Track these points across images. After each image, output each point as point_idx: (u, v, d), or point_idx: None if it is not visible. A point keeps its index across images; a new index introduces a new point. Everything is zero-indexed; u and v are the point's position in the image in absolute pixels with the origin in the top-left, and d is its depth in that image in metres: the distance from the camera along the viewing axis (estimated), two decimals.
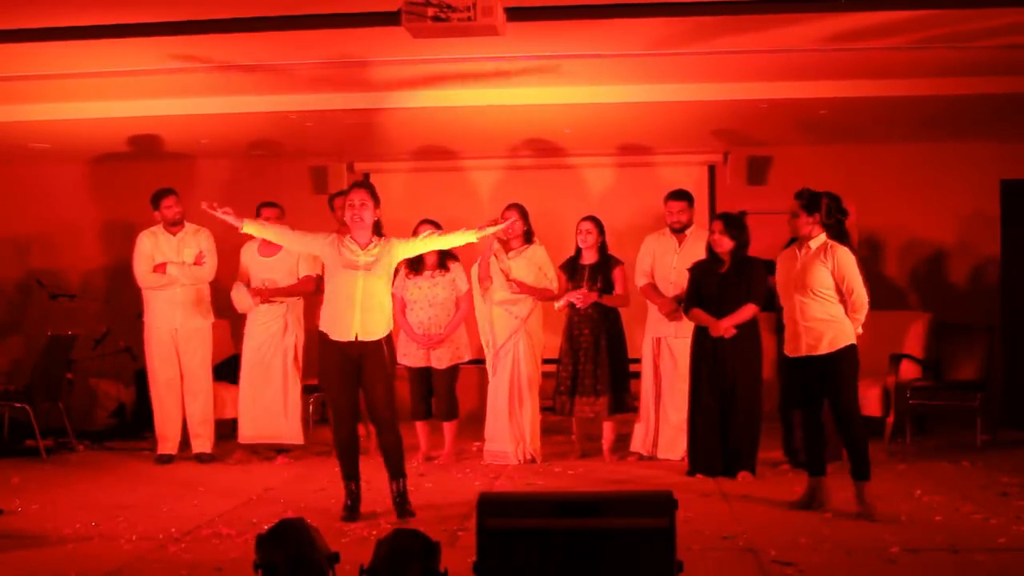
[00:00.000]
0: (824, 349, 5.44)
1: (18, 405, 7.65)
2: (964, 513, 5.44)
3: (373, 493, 5.82)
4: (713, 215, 7.64)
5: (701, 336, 6.61)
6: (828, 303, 5.46)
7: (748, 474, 6.45)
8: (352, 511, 5.53)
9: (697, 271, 6.69)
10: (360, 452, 5.71)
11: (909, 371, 7.89)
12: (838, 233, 5.72)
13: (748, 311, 6.48)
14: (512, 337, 7.06)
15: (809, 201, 5.55)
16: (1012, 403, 8.65)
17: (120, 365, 8.92)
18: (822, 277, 5.45)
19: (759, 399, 6.57)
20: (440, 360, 7.18)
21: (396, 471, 5.54)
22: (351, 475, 5.59)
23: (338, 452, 5.66)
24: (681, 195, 7.19)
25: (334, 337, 5.52)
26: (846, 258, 5.46)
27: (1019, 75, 6.81)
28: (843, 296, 5.48)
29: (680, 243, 7.14)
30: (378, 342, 5.51)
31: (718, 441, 6.53)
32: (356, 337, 5.46)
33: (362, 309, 5.46)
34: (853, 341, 5.48)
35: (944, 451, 7.36)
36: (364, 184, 5.70)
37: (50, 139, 8.50)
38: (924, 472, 6.49)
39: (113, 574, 4.46)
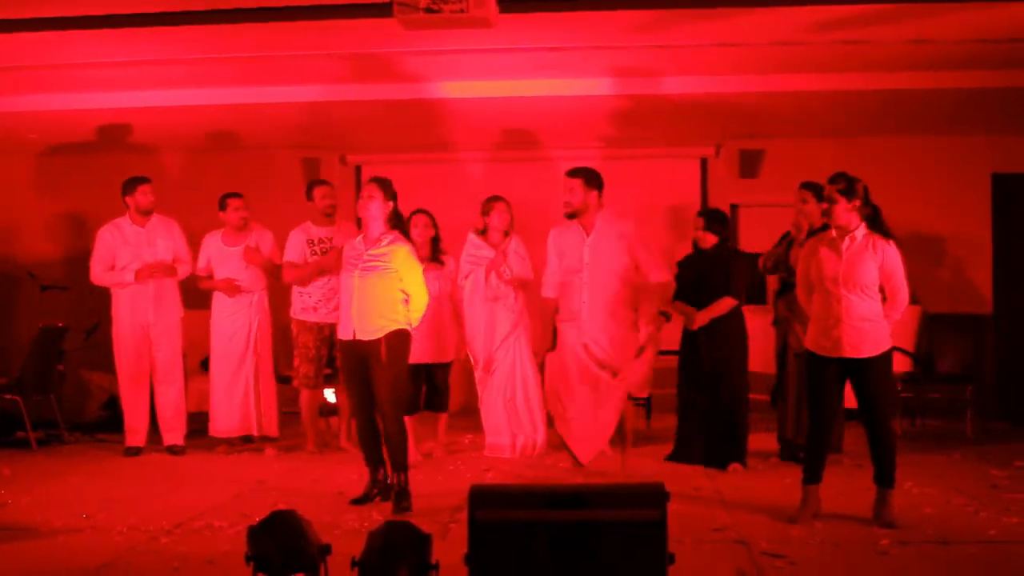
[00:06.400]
0: (868, 352, 5.04)
1: (9, 397, 7.64)
2: (955, 505, 5.45)
3: (363, 486, 5.81)
4: (704, 209, 7.57)
5: (685, 329, 6.65)
6: (873, 301, 5.06)
7: (738, 466, 6.46)
8: (366, 498, 5.61)
9: (682, 264, 6.73)
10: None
11: (900, 364, 7.89)
12: (875, 224, 5.10)
13: (724, 304, 6.48)
14: (514, 330, 7.05)
15: (848, 186, 5.04)
16: (1003, 395, 8.67)
17: (111, 357, 8.89)
18: (872, 273, 5.04)
19: (745, 390, 6.58)
20: (443, 354, 7.19)
21: (397, 464, 5.52)
22: (372, 461, 5.66)
23: (359, 440, 5.74)
24: (573, 172, 6.10)
25: (338, 335, 5.69)
26: (895, 253, 5.09)
27: (1010, 69, 6.82)
28: (883, 293, 5.11)
29: (588, 232, 6.13)
30: (377, 341, 5.45)
31: (701, 433, 6.54)
32: (354, 335, 5.51)
33: (358, 309, 5.49)
34: (891, 343, 5.14)
35: (935, 443, 7.39)
36: (376, 178, 5.68)
37: (39, 130, 8.46)
38: (915, 464, 6.49)
39: (104, 566, 4.45)
